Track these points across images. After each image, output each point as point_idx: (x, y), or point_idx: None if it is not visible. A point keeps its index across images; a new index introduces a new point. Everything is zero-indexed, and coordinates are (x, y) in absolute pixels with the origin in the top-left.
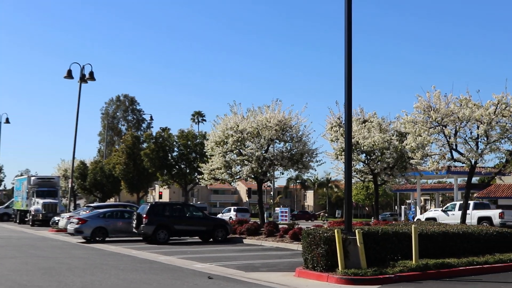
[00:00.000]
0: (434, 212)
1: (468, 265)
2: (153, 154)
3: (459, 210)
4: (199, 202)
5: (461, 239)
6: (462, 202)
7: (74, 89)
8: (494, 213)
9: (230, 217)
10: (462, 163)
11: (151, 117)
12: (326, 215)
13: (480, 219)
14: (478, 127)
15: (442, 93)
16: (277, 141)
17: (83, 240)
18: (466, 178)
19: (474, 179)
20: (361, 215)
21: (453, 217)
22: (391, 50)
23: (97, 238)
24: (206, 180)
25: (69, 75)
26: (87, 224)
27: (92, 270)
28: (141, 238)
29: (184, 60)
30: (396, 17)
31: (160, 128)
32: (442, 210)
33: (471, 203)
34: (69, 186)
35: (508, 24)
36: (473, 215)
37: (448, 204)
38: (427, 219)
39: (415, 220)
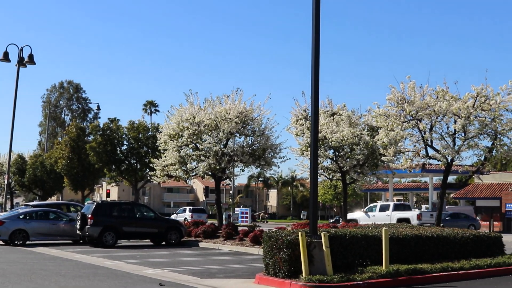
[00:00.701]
0: (356, 213)
1: (443, 271)
2: (100, 148)
3: (380, 211)
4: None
5: (435, 243)
6: (383, 203)
7: (11, 74)
8: (412, 215)
9: (185, 218)
10: (438, 160)
11: (98, 106)
12: (267, 215)
13: (399, 221)
14: (455, 122)
15: (417, 84)
16: (237, 135)
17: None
18: (442, 177)
19: (451, 178)
20: (328, 217)
21: (373, 219)
22: (363, 39)
23: (16, 242)
24: (159, 177)
25: (6, 57)
26: (4, 226)
27: (30, 276)
28: (71, 241)
29: (136, 45)
30: (368, 5)
31: (108, 119)
32: (364, 211)
33: (391, 204)
34: (5, 182)
35: (489, 12)
36: (392, 216)
37: (370, 205)
38: (349, 220)
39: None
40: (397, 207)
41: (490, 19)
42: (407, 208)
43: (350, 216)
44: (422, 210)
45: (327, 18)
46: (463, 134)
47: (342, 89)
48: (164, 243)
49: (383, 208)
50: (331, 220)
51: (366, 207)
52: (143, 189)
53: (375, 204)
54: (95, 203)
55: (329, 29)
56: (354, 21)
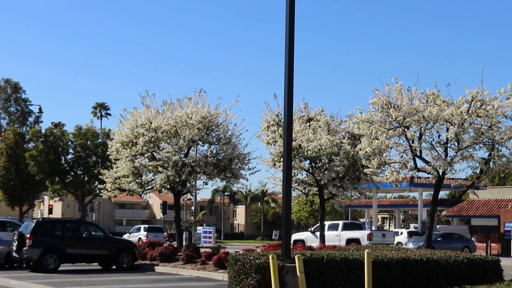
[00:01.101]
0: (303, 233)
1: None
2: (41, 157)
3: (328, 230)
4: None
5: (425, 268)
6: (331, 222)
7: None
8: (362, 235)
9: (140, 238)
10: (428, 173)
11: (40, 108)
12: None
13: (349, 241)
14: (447, 129)
15: (405, 86)
16: (200, 143)
17: None
18: (432, 192)
19: (442, 194)
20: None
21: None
22: (343, 33)
23: None
24: (110, 191)
25: None
26: None
27: None
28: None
29: (85, 38)
30: None
31: (52, 123)
32: (311, 231)
33: (340, 223)
34: None
35: (485, 11)
36: (341, 237)
37: (317, 225)
38: (295, 241)
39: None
40: (347, 226)
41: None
42: (358, 227)
43: (296, 236)
44: (380, 230)
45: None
46: (456, 144)
47: (320, 91)
48: (114, 267)
49: (332, 227)
50: (274, 238)
51: (314, 226)
52: (91, 205)
53: (331, 222)
54: (35, 221)
55: (306, 20)
56: (336, 13)
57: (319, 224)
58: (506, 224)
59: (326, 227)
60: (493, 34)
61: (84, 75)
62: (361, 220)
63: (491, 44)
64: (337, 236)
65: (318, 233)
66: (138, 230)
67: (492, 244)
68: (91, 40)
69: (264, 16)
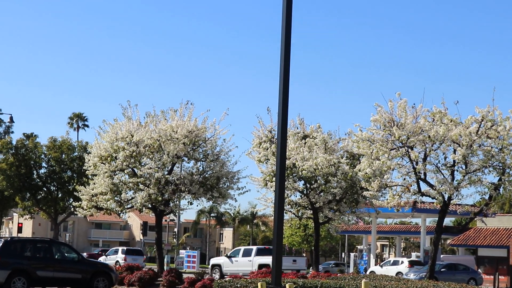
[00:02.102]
0: (220, 258)
1: None
2: (11, 170)
3: (243, 256)
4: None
5: None
6: (245, 247)
7: None
8: (271, 260)
9: (117, 261)
10: (432, 198)
11: (11, 118)
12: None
13: (261, 267)
14: (454, 151)
15: (409, 103)
16: (186, 159)
17: None
18: (436, 219)
19: (448, 221)
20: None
21: (236, 264)
22: (345, 46)
23: None
24: (85, 209)
25: None
26: None
27: None
28: None
29: (61, 44)
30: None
31: (24, 134)
32: (227, 256)
33: (254, 248)
34: None
35: (498, 22)
36: (254, 262)
37: (234, 249)
38: (213, 266)
39: (367, 272)
40: (260, 252)
41: (500, 32)
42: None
43: (214, 261)
44: (298, 256)
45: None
46: (464, 167)
47: (317, 107)
48: None
49: (247, 253)
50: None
51: (231, 251)
52: (64, 224)
53: (238, 248)
54: (2, 240)
55: (305, 31)
56: (336, 18)
57: (236, 248)
58: None
59: (241, 252)
60: (505, 50)
61: (61, 84)
62: (359, 247)
63: (503, 61)
64: (250, 261)
65: (233, 258)
66: (116, 252)
67: (500, 277)
68: (71, 49)
69: (257, 27)
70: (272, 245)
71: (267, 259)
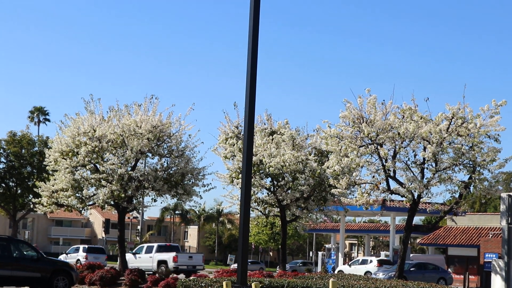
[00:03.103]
0: (126, 254)
1: None
2: None
3: (145, 252)
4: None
5: None
6: (148, 244)
7: None
8: (169, 257)
9: (78, 259)
10: (402, 196)
11: None
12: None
13: (159, 263)
14: (424, 149)
15: (379, 99)
16: (150, 155)
17: None
18: (406, 217)
19: (417, 219)
20: (263, 263)
21: (140, 260)
22: (311, 39)
23: None
24: (45, 206)
25: None
26: None
27: None
28: None
29: (20, 36)
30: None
31: None
32: (132, 253)
33: (155, 245)
34: None
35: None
36: (154, 258)
37: (139, 246)
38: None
39: (335, 272)
40: (160, 249)
41: (470, 29)
42: (175, 249)
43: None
44: (196, 253)
45: (267, 13)
46: (434, 165)
47: (284, 102)
48: None
49: (149, 250)
50: (230, 263)
51: (136, 248)
52: (23, 221)
53: (142, 245)
54: None
55: (270, 26)
56: (302, 16)
57: (140, 246)
58: (487, 255)
59: (144, 249)
60: (476, 48)
61: (21, 77)
62: (327, 245)
63: (473, 58)
64: (151, 258)
65: (138, 255)
66: (77, 250)
67: (470, 277)
68: (31, 42)
69: (224, 20)
70: (238, 243)
71: (166, 256)
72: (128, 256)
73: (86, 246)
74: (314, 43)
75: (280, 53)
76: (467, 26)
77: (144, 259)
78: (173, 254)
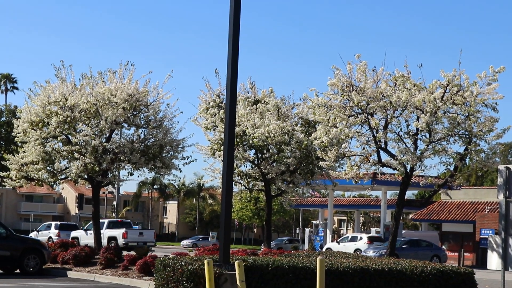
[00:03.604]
0: (78, 231)
1: None
2: None
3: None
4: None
5: (387, 279)
6: (102, 220)
7: None
8: (119, 233)
9: (50, 237)
10: (394, 169)
11: None
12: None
13: (110, 239)
14: (418, 118)
15: (369, 66)
16: (125, 126)
17: None
18: (398, 192)
19: (410, 193)
20: (247, 240)
21: (91, 237)
22: (301, 2)
23: None
24: (14, 180)
25: None
26: None
27: None
28: None
29: None
30: None
31: None
32: (83, 229)
33: (106, 221)
34: None
35: None
36: (104, 235)
37: (89, 223)
38: (72, 238)
39: (323, 249)
40: (111, 225)
41: None
42: (126, 225)
43: (73, 234)
44: (147, 229)
45: None
46: (427, 135)
47: (269, 69)
48: (18, 271)
49: (101, 226)
50: (212, 240)
51: (87, 225)
52: None
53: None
54: None
55: None
56: None
57: (91, 222)
58: (483, 231)
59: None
60: (471, 12)
61: None
62: (314, 222)
63: (470, 22)
64: (101, 234)
65: (89, 231)
66: (49, 227)
67: (465, 254)
68: None
69: None
70: (220, 219)
71: (116, 232)
72: (80, 233)
73: (59, 223)
74: (301, 3)
75: (265, 15)
76: None
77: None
78: (123, 230)
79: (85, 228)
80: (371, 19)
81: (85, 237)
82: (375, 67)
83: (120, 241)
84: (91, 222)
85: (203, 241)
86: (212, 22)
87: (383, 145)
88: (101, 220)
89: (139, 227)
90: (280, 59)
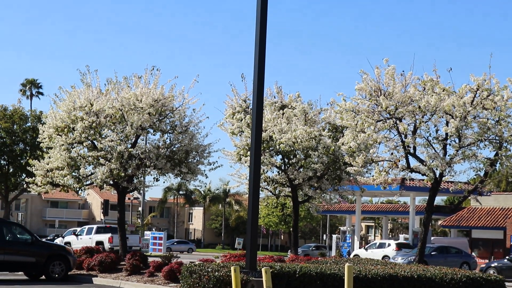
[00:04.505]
0: (70, 236)
1: None
2: None
3: (86, 234)
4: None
5: (416, 286)
6: (89, 226)
7: None
8: (105, 237)
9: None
10: (422, 174)
11: None
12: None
13: (98, 243)
14: (447, 123)
15: (398, 70)
16: (151, 131)
17: None
18: (427, 198)
19: (439, 199)
20: (274, 247)
21: (81, 241)
22: (327, 5)
23: None
24: (40, 186)
25: None
26: None
27: None
28: None
29: (10, 2)
30: None
31: None
32: (75, 234)
33: (95, 227)
34: None
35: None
36: (93, 239)
37: (83, 227)
38: (65, 243)
39: (351, 256)
40: (99, 230)
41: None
42: (113, 230)
43: (66, 239)
44: (130, 234)
45: None
46: (457, 140)
47: (296, 73)
48: (44, 277)
49: (89, 231)
50: (238, 247)
51: (79, 230)
52: (17, 202)
53: (85, 227)
54: None
55: None
56: None
57: (82, 228)
58: None
59: (85, 231)
60: (503, 11)
61: (12, 47)
62: (342, 228)
63: (501, 24)
64: (90, 239)
65: (80, 236)
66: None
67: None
68: (23, 9)
69: None
70: (246, 226)
71: (103, 237)
72: (71, 238)
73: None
74: (330, 16)
75: (293, 23)
76: None
77: (84, 240)
78: (109, 235)
79: (77, 233)
80: (400, 15)
81: (76, 242)
82: (403, 71)
83: (106, 245)
84: (82, 227)
85: (178, 245)
86: (238, 27)
87: (411, 151)
88: (90, 226)
89: (164, 233)
90: (307, 63)
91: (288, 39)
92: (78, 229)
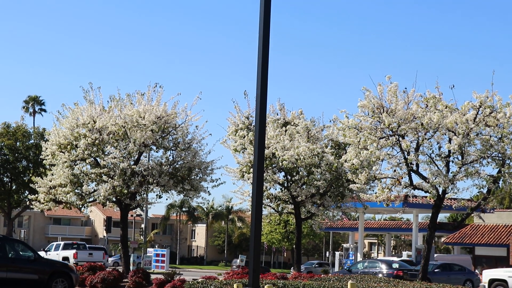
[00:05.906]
0: (41, 253)
1: None
2: None
3: (54, 250)
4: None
5: None
6: (57, 243)
7: None
8: (70, 253)
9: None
10: (425, 191)
11: None
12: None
13: (63, 259)
14: (450, 140)
15: (400, 87)
16: (154, 148)
17: None
18: (430, 215)
19: (442, 217)
20: (276, 264)
21: (49, 257)
22: (327, 27)
23: None
24: (42, 203)
25: None
26: None
27: None
28: None
29: (14, 18)
30: None
31: None
32: (44, 250)
33: (62, 243)
34: None
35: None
36: (60, 255)
37: (50, 244)
38: (64, 258)
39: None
40: (66, 247)
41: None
42: (80, 247)
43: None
44: (94, 249)
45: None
46: (460, 157)
47: (299, 90)
48: None
49: (57, 248)
50: (240, 264)
51: (48, 246)
52: (19, 219)
53: (53, 243)
54: None
55: (284, 13)
56: (318, 6)
57: (51, 244)
58: None
59: (53, 247)
60: (506, 28)
61: (15, 63)
62: (344, 245)
63: (504, 41)
64: (57, 255)
65: (49, 252)
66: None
67: None
68: (25, 25)
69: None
70: (249, 243)
71: (68, 253)
72: (42, 254)
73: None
74: (330, 32)
75: (294, 41)
76: (492, 12)
77: (52, 256)
78: (74, 251)
79: (46, 249)
80: (402, 46)
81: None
82: (406, 88)
83: (72, 260)
84: (51, 244)
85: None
86: (240, 44)
87: (414, 168)
88: (58, 242)
89: (167, 250)
90: (310, 81)
91: (292, 57)
92: (48, 245)
